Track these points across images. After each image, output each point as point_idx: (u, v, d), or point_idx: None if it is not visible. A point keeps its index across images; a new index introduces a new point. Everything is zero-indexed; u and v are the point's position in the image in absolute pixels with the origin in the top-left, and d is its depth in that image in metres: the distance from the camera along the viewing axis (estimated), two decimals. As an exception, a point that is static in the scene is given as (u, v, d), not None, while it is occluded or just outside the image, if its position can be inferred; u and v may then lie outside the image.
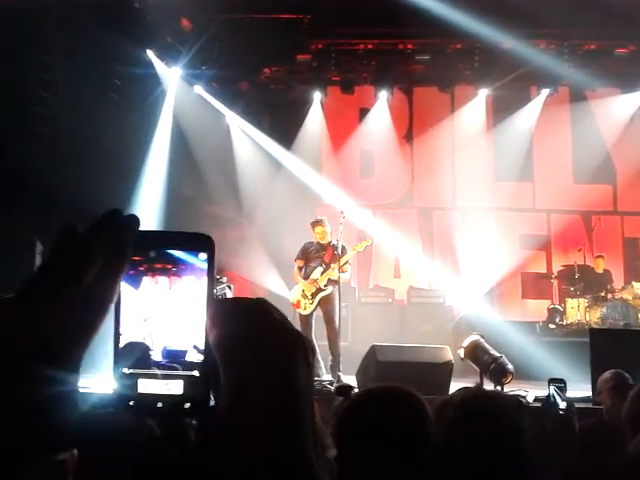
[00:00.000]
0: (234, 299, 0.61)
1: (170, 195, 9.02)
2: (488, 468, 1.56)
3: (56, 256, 0.57)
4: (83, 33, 7.41)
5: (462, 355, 5.95)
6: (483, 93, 10.23)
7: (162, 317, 0.60)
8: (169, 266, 0.61)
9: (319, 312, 6.71)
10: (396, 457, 1.27)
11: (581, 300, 9.00)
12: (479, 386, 4.20)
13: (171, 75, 9.30)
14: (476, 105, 10.39)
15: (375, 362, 5.70)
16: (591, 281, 9.19)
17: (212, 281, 0.61)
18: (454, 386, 5.62)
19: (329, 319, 6.63)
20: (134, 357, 0.60)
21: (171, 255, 0.61)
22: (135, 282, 0.60)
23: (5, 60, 6.74)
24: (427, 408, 1.55)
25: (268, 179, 9.99)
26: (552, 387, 3.62)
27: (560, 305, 9.42)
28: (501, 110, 10.33)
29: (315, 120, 10.46)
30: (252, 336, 0.56)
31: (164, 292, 0.61)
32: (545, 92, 10.16)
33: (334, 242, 6.73)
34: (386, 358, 5.69)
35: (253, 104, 10.03)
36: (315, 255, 6.75)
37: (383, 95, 10.31)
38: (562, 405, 3.37)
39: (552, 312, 9.31)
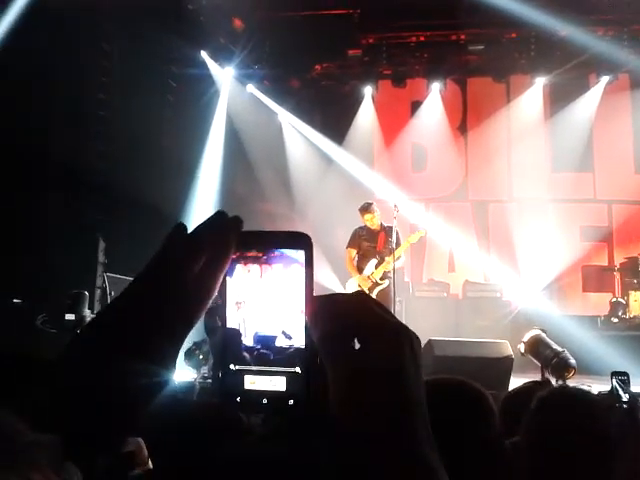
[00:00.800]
0: (333, 295, 0.61)
1: (224, 193, 9.18)
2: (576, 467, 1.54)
3: (165, 250, 0.60)
4: (139, 35, 7.61)
5: (522, 350, 5.82)
6: (540, 82, 9.97)
7: (254, 303, 0.62)
8: (260, 254, 0.62)
9: None
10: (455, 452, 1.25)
11: (646, 293, 8.68)
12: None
13: (224, 75, 9.45)
14: (533, 95, 10.14)
15: (432, 357, 5.64)
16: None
17: (311, 278, 0.61)
18: (513, 382, 5.52)
19: None
20: (235, 348, 0.61)
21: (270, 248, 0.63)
22: (229, 270, 0.62)
23: (66, 61, 6.99)
24: (492, 403, 1.52)
25: (320, 175, 10.03)
26: (615, 380, 3.52)
27: (623, 298, 9.11)
28: (559, 99, 10.05)
29: (366, 115, 10.43)
30: (356, 333, 0.57)
31: (256, 279, 0.62)
32: (604, 80, 9.83)
33: (385, 225, 6.66)
34: (443, 352, 5.63)
35: (304, 101, 10.09)
36: (367, 245, 6.68)
37: (436, 87, 10.19)
38: (625, 398, 3.28)
39: (614, 305, 9.01)
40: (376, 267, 6.57)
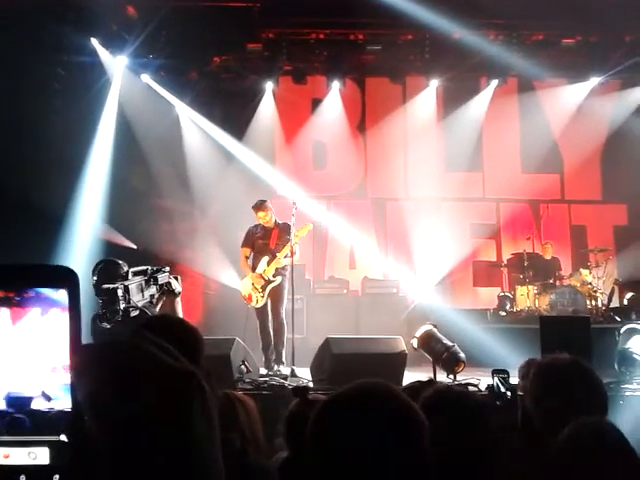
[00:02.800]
0: (105, 344, 0.52)
1: (117, 188, 8.77)
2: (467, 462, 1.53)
3: None
4: (23, 21, 7.10)
5: (415, 345, 6.00)
6: (434, 84, 10.29)
7: (4, 356, 0.51)
8: (11, 295, 0.51)
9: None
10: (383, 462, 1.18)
11: (530, 287, 9.20)
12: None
13: (116, 64, 9.01)
14: (427, 96, 10.45)
15: (330, 355, 5.68)
16: (540, 268, 9.40)
17: (76, 324, 0.51)
18: (407, 376, 5.66)
19: (275, 310, 6.58)
20: None
21: (22, 286, 0.52)
22: None
23: None
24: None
25: (220, 171, 9.82)
26: (496, 378, 3.69)
27: (510, 292, 9.62)
28: (452, 101, 10.42)
29: (267, 111, 10.33)
30: (129, 390, 0.48)
31: (6, 326, 0.51)
32: (494, 83, 10.29)
33: (279, 222, 6.66)
34: (340, 350, 5.69)
35: (203, 94, 9.82)
36: (261, 242, 6.65)
37: (335, 85, 10.26)
38: (507, 394, 3.43)
39: (502, 299, 9.50)
40: (268, 264, 6.53)
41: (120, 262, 4.57)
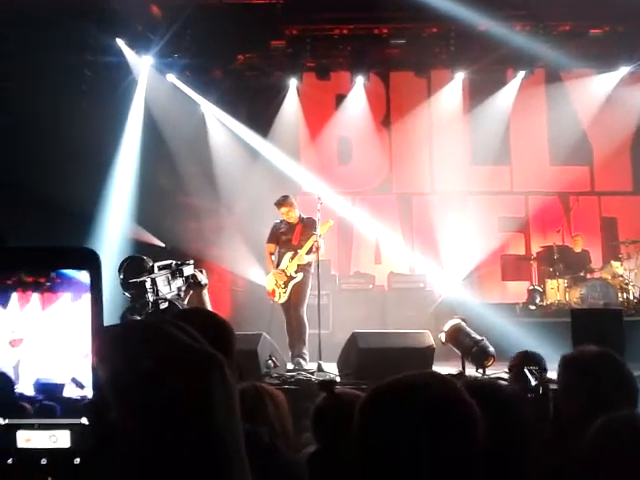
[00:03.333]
0: (126, 325, 0.51)
1: (144, 187, 8.87)
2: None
3: None
4: (49, 22, 7.22)
5: (443, 339, 5.95)
6: (459, 77, 10.18)
7: (34, 342, 0.49)
8: (42, 280, 0.49)
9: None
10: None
11: (560, 281, 9.06)
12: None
13: (142, 64, 9.12)
14: (453, 89, 10.35)
15: (356, 349, 5.67)
16: (570, 261, 9.25)
17: (98, 307, 0.50)
18: (436, 370, 5.62)
19: (295, 306, 6.56)
20: (3, 397, 0.49)
21: (44, 268, 0.50)
22: (2, 298, 0.49)
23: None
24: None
25: (245, 168, 9.88)
26: (526, 370, 3.62)
27: (540, 286, 9.48)
28: (478, 93, 10.30)
29: (291, 107, 10.35)
30: (151, 371, 0.47)
31: (37, 312, 0.50)
32: (521, 74, 10.13)
33: (304, 217, 6.64)
34: (367, 345, 5.67)
35: (228, 92, 9.88)
36: (284, 238, 6.65)
37: (359, 81, 10.22)
38: (539, 387, 3.37)
39: (532, 293, 9.36)
40: (290, 260, 6.53)
41: (145, 257, 4.63)
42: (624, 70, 9.86)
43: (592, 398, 1.86)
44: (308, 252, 6.48)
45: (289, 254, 6.54)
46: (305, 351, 6.50)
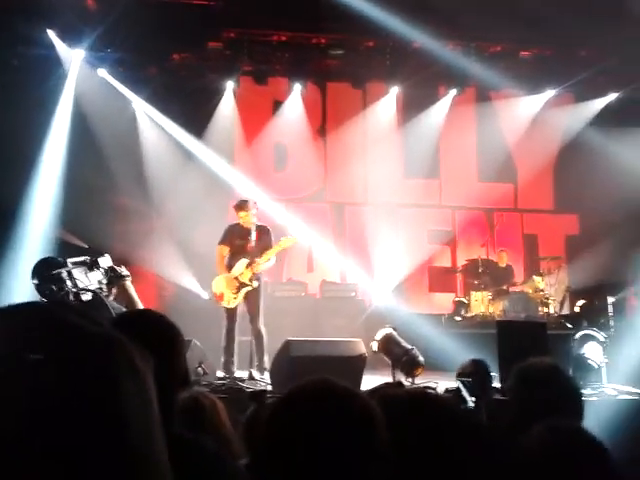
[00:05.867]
0: (8, 308, 0.45)
1: (71, 185, 8.50)
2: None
3: None
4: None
5: (375, 348, 6.00)
6: (394, 91, 10.38)
7: None
8: None
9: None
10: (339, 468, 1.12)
11: (484, 293, 9.36)
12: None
13: (73, 57, 8.76)
14: (387, 102, 10.54)
15: (289, 357, 5.62)
16: (494, 275, 9.58)
17: None
18: (366, 380, 5.66)
19: (253, 315, 6.46)
20: None
21: None
22: None
23: None
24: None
25: (178, 169, 9.63)
26: (459, 382, 3.70)
27: (465, 298, 9.77)
28: (411, 108, 10.52)
29: (227, 110, 10.20)
30: (36, 348, 0.42)
31: None
32: (453, 92, 10.46)
33: (259, 224, 6.53)
34: (299, 353, 5.62)
35: (162, 91, 9.60)
36: (238, 242, 6.49)
37: (297, 88, 10.23)
38: (470, 400, 3.45)
39: (457, 305, 9.64)
40: (246, 267, 6.40)
41: (53, 256, 4.45)
42: (550, 93, 10.37)
43: (542, 408, 1.91)
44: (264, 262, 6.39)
45: (244, 260, 6.39)
46: (266, 361, 6.37)
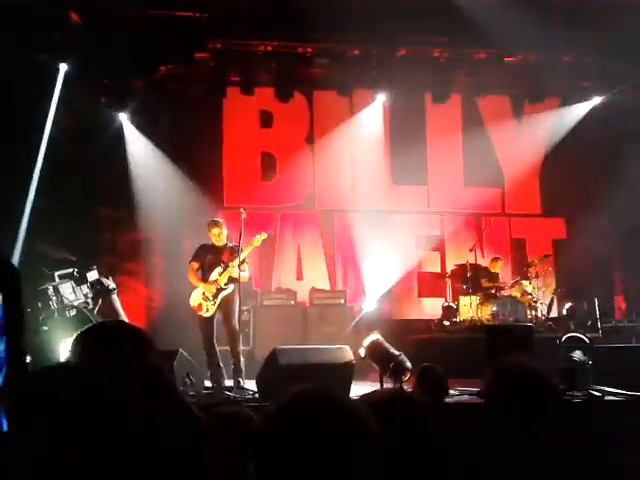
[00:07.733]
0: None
1: (57, 197, 8.49)
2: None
3: None
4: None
5: (363, 354, 6.00)
6: (381, 98, 10.45)
7: None
8: None
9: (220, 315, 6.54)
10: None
11: (473, 298, 9.39)
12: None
13: (59, 70, 8.76)
14: (374, 110, 10.60)
15: (277, 365, 5.62)
16: (481, 279, 9.62)
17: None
18: (354, 387, 5.67)
19: (227, 320, 6.47)
20: None
21: None
22: None
23: None
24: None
25: (165, 181, 9.63)
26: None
27: (454, 303, 9.79)
28: (397, 115, 10.58)
29: (215, 121, 10.24)
30: None
31: None
32: (438, 98, 10.52)
33: (230, 244, 6.61)
34: (287, 361, 5.63)
35: (149, 102, 9.63)
36: (211, 257, 6.55)
37: (284, 97, 10.27)
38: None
39: (446, 310, 9.66)
40: (220, 274, 6.45)
41: (43, 268, 4.45)
42: (536, 97, 10.47)
43: (526, 410, 1.93)
44: (240, 264, 6.40)
45: (219, 268, 6.45)
46: (242, 364, 6.39)
